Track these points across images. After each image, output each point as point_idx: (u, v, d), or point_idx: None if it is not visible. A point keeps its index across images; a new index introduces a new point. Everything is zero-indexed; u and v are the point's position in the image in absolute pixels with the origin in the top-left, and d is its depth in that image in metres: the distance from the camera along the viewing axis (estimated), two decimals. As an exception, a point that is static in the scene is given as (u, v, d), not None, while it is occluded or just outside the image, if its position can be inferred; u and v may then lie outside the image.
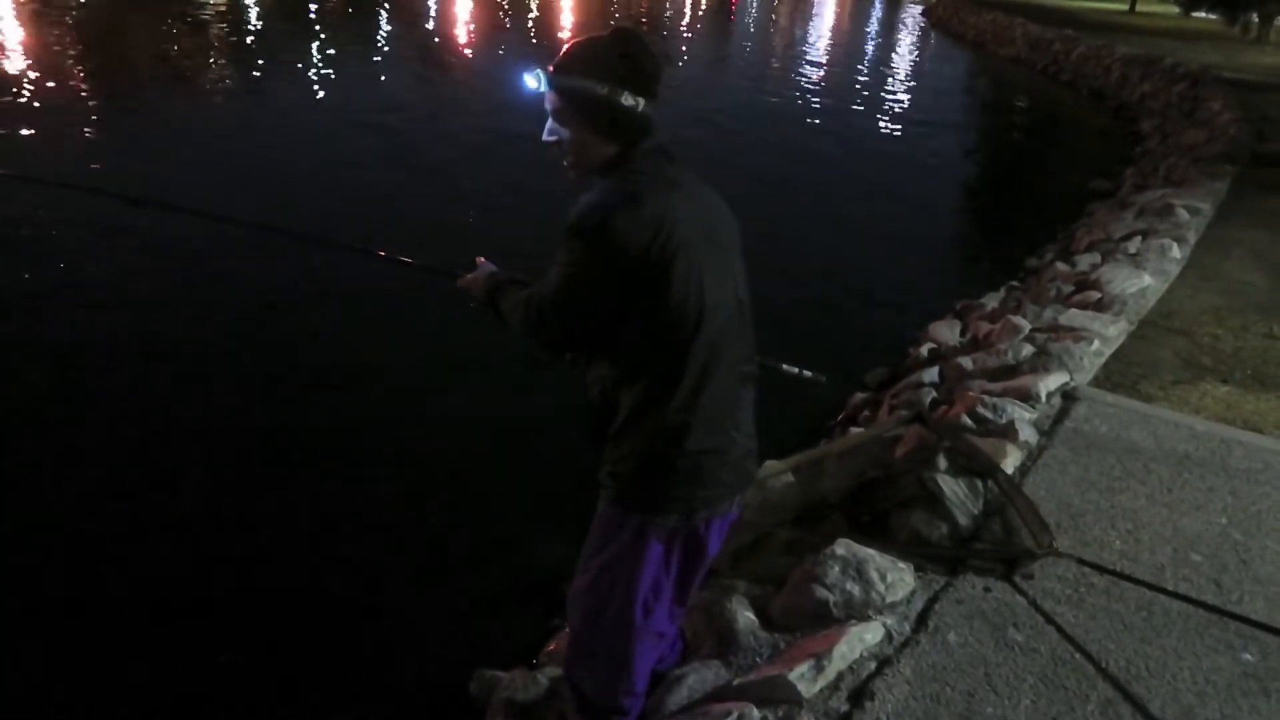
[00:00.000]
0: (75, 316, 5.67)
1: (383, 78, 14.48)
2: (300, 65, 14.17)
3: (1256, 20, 23.88)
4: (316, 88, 12.85)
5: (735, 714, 2.25)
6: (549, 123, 1.98)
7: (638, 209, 1.83)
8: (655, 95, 1.93)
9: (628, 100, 1.89)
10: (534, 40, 21.56)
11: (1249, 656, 2.54)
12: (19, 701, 3.01)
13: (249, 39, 17.46)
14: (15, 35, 14.05)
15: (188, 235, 6.68)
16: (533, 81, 1.95)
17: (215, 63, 14.92)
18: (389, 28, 20.79)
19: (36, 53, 13.77)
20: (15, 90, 11.15)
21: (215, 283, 6.30)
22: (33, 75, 12.28)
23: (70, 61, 13.60)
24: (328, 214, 7.90)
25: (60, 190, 3.98)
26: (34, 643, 3.26)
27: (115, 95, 11.71)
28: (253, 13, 17.48)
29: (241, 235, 6.61)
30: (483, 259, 2.34)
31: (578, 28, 23.68)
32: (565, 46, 1.96)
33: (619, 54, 1.89)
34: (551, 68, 1.95)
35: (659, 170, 1.91)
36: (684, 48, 23.24)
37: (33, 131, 9.62)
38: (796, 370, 2.73)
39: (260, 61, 15.30)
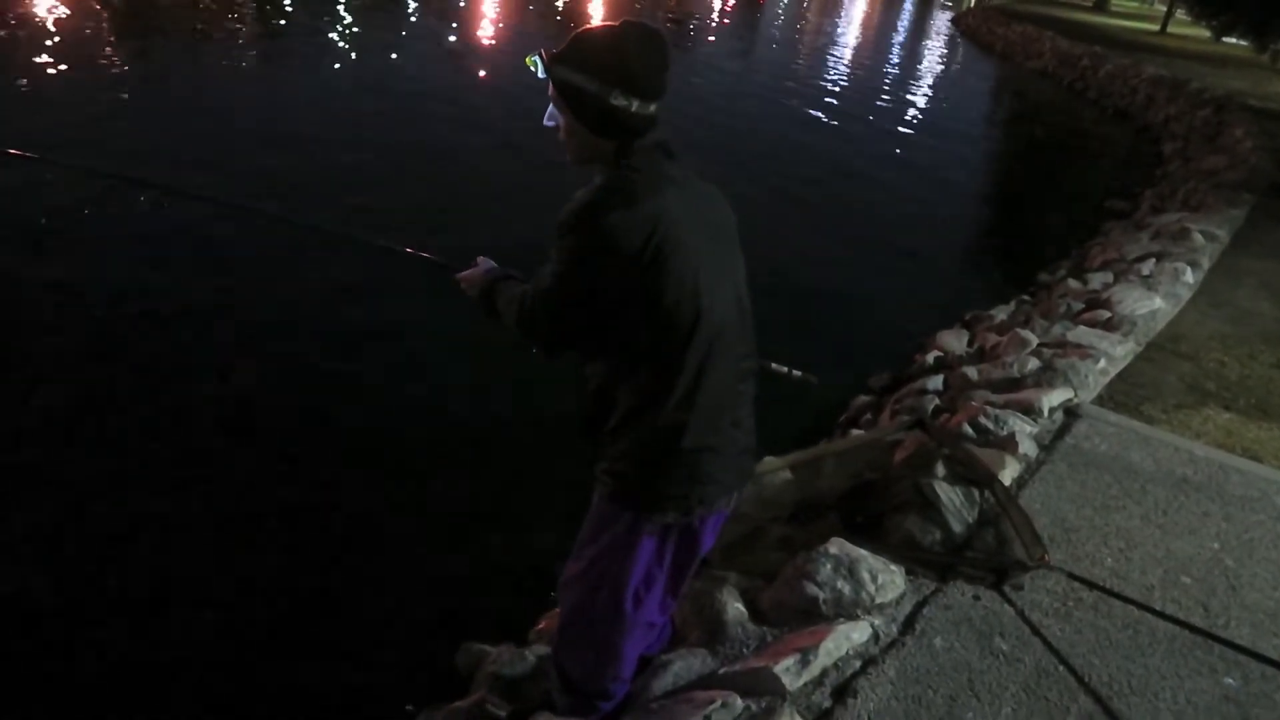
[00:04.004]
0: (75, 297, 5.63)
1: (403, 58, 14.45)
2: (318, 48, 14.13)
3: (1288, 50, 23.74)
4: (334, 70, 12.81)
5: (719, 702, 2.27)
6: (549, 107, 1.95)
7: (632, 208, 1.80)
8: (652, 95, 1.88)
9: (618, 100, 1.84)
10: (558, 20, 21.50)
11: (1231, 681, 2.56)
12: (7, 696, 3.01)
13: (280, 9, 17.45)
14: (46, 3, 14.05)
15: (186, 215, 6.66)
16: (532, 66, 1.92)
17: (238, 35, 14.91)
18: (416, 4, 20.74)
19: (61, 18, 13.76)
20: (40, 58, 11.15)
21: (213, 263, 6.24)
22: (56, 39, 12.27)
23: (90, 31, 13.58)
24: (333, 194, 7.82)
25: (67, 169, 3.89)
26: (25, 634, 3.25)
27: (135, 68, 11.65)
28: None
29: (240, 217, 6.59)
30: (482, 257, 2.32)
31: (605, 14, 23.57)
32: (571, 34, 1.92)
33: (614, 52, 1.85)
34: (550, 55, 1.91)
35: (656, 167, 1.89)
36: (708, 42, 23.14)
37: (52, 95, 9.61)
38: (786, 369, 2.70)
39: (283, 36, 15.29)
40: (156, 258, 6.19)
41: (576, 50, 1.88)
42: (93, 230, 6.55)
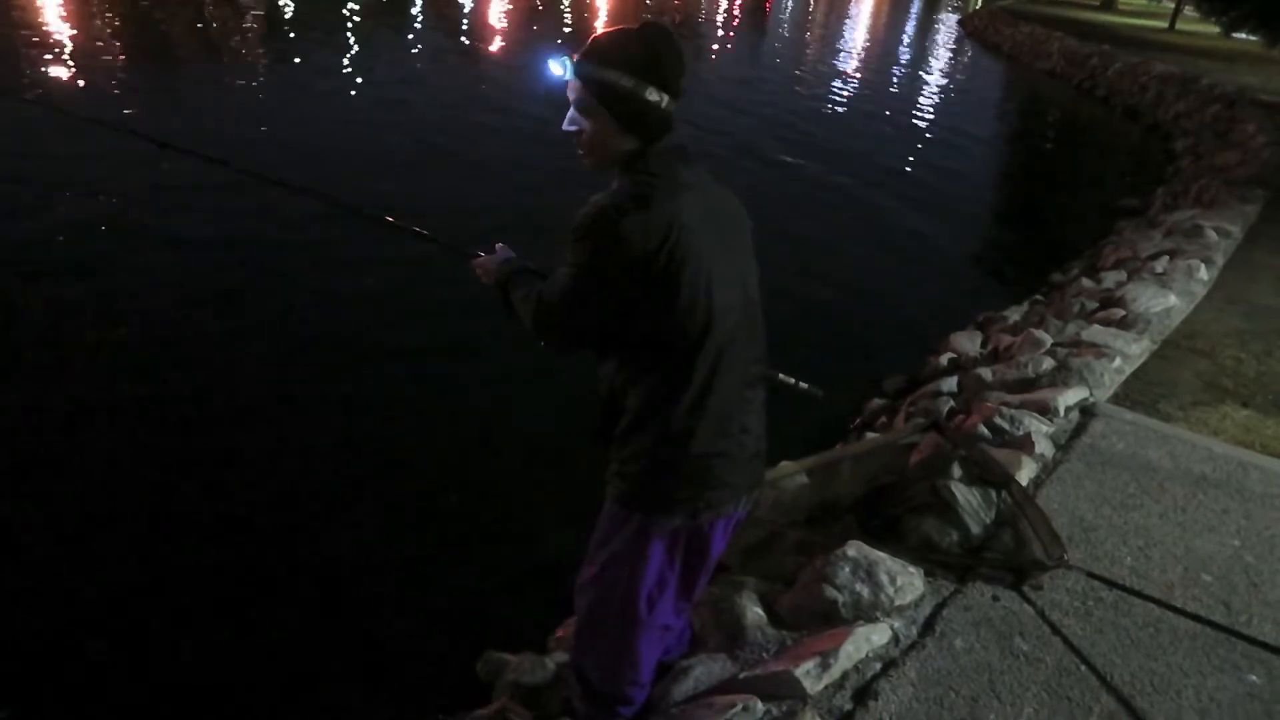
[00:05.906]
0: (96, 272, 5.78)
1: (415, 56, 14.63)
2: (334, 45, 14.39)
3: (1298, 44, 23.59)
4: (349, 65, 13.05)
5: (740, 706, 2.28)
6: (570, 112, 1.96)
7: (647, 213, 1.82)
8: (677, 92, 1.91)
9: (653, 95, 1.87)
10: (565, 29, 21.61)
11: (1255, 678, 2.55)
12: (16, 692, 3.03)
13: (288, 14, 17.62)
14: (64, 12, 14.29)
15: (210, 194, 6.79)
16: (558, 69, 1.93)
17: (254, 36, 15.11)
18: (423, 14, 20.90)
19: (81, 33, 13.96)
20: (66, 61, 11.34)
21: (231, 243, 6.38)
22: (78, 55, 12.47)
23: (109, 41, 13.78)
24: (348, 180, 8.03)
25: (90, 126, 4.04)
26: (35, 630, 3.28)
27: (154, 68, 11.91)
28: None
29: (261, 195, 6.63)
30: (501, 245, 2.32)
31: (611, 22, 23.67)
32: (593, 37, 1.93)
33: (647, 48, 1.88)
34: (579, 56, 1.92)
35: (672, 171, 1.90)
36: (716, 46, 23.19)
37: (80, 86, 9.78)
38: (793, 381, 2.69)
39: (296, 36, 15.44)
40: (164, 238, 6.31)
41: (608, 49, 1.90)
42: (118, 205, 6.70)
